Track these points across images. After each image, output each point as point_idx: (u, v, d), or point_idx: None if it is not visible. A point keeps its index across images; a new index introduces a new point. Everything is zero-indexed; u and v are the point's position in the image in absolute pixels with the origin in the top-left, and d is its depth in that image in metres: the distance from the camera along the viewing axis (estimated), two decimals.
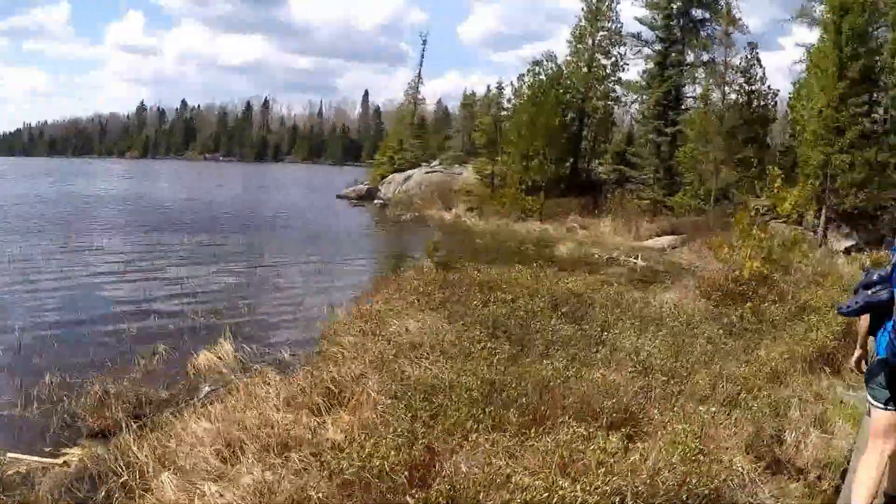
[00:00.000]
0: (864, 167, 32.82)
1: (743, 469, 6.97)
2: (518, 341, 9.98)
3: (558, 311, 11.96)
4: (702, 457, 6.53)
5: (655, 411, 7.79)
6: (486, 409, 7.31)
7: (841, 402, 9.67)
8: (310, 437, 7.36)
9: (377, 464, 6.13)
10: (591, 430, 7.05)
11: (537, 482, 5.72)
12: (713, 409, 7.95)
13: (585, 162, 48.22)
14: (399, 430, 6.85)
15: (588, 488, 5.67)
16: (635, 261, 27.20)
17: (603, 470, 6.05)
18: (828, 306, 12.94)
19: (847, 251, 31.67)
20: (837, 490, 6.84)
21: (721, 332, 11.59)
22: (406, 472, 6.23)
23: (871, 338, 5.11)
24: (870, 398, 5.03)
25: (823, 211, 33.72)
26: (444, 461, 6.48)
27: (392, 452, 6.31)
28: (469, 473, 6.17)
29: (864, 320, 5.11)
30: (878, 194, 32.86)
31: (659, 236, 33.92)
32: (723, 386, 8.66)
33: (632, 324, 11.44)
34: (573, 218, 37.79)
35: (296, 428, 7.51)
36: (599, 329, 11.11)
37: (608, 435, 7.02)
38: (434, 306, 12.03)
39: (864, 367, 5.29)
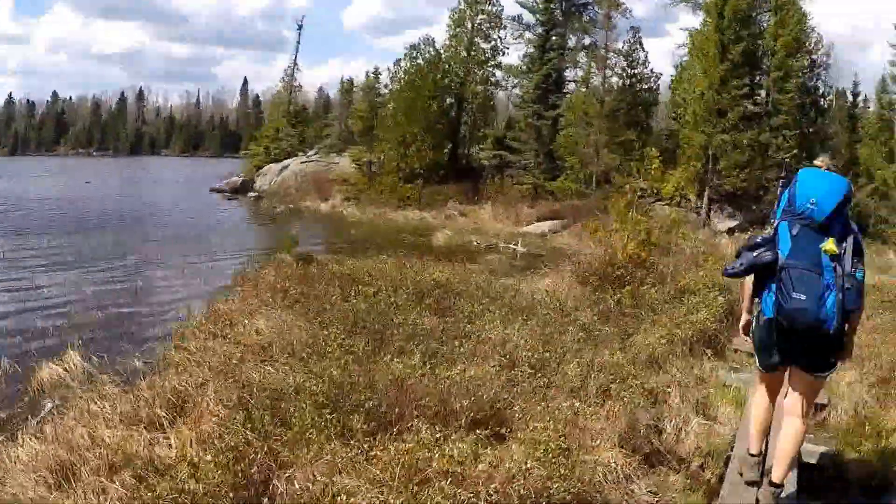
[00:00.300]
0: (745, 148, 33.30)
1: (616, 465, 6.49)
2: (376, 338, 9.14)
3: (423, 303, 11.15)
4: (563, 459, 5.95)
5: (517, 408, 7.11)
6: (332, 416, 6.48)
7: (724, 385, 9.37)
8: (145, 455, 6.44)
9: (193, 487, 5.35)
10: (447, 432, 6.41)
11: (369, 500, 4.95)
12: (581, 402, 7.47)
13: (465, 148, 47.86)
14: (231, 444, 6.04)
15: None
16: (515, 247, 26.84)
17: (450, 480, 5.32)
18: (708, 287, 12.64)
19: (730, 231, 32.14)
20: (721, 478, 6.46)
21: (596, 318, 11.02)
22: (232, 494, 5.45)
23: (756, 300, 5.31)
24: (756, 360, 5.45)
25: (706, 192, 34.06)
26: (281, 478, 5.76)
27: (218, 472, 5.54)
28: (303, 491, 5.52)
29: (748, 287, 5.37)
30: (760, 175, 33.40)
31: (540, 221, 33.84)
32: (594, 376, 7.99)
33: (501, 314, 10.71)
34: (452, 205, 37.36)
35: (128, 446, 6.54)
36: (465, 321, 10.37)
37: (468, 436, 6.44)
38: (290, 303, 11.10)
39: (751, 332, 5.47)
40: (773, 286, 4.96)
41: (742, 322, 5.61)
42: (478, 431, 6.59)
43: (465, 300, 11.36)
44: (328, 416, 6.47)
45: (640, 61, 42.49)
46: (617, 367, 8.45)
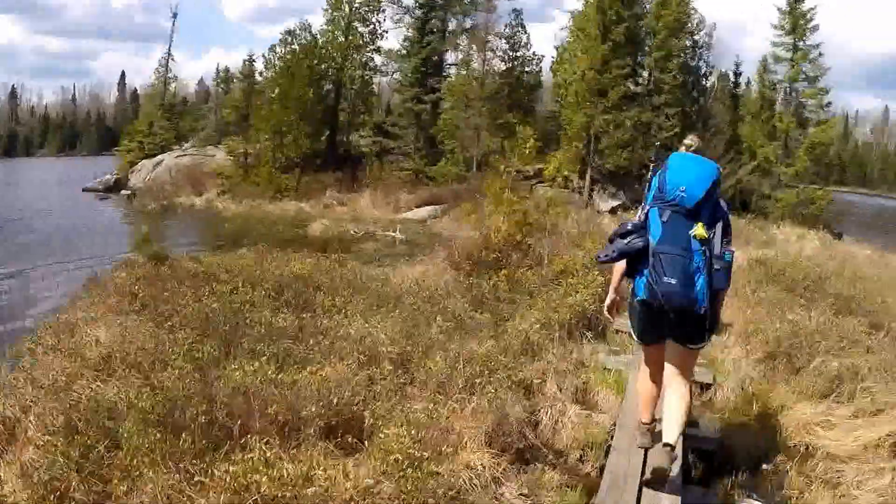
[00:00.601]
0: (627, 128, 33.49)
1: (484, 467, 5.92)
2: (226, 340, 8.24)
3: (280, 299, 10.30)
4: (415, 471, 5.24)
5: (375, 410, 6.42)
6: (161, 435, 5.64)
7: (604, 368, 8.97)
8: None
9: None
10: (293, 444, 5.79)
11: None
12: (444, 399, 6.90)
13: (345, 135, 46.67)
14: (45, 477, 5.23)
15: None
16: (394, 234, 26.31)
17: None
18: (587, 267, 12.18)
19: (613, 211, 32.29)
20: (601, 470, 6.32)
21: (469, 305, 10.39)
22: None
23: (629, 281, 5.61)
24: (635, 337, 5.89)
25: (588, 172, 34.02)
26: None
27: None
28: None
29: (618, 267, 5.69)
30: (642, 154, 33.65)
31: (419, 207, 33.49)
32: (460, 369, 7.35)
33: (365, 306, 9.96)
34: (331, 194, 36.50)
35: None
36: (325, 316, 9.54)
37: (317, 447, 5.76)
38: (138, 308, 10.05)
39: (615, 312, 6.04)
40: (646, 270, 5.22)
41: (607, 302, 5.95)
42: (329, 440, 5.95)
43: (327, 294, 10.47)
44: (155, 436, 5.62)
45: (523, 44, 42.55)
46: (487, 357, 7.77)
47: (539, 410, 7.48)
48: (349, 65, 45.09)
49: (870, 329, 10.72)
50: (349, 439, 6.07)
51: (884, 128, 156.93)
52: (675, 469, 5.62)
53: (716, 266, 5.16)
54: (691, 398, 5.88)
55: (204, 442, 5.71)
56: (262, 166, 40.01)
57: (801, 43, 37.48)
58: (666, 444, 5.41)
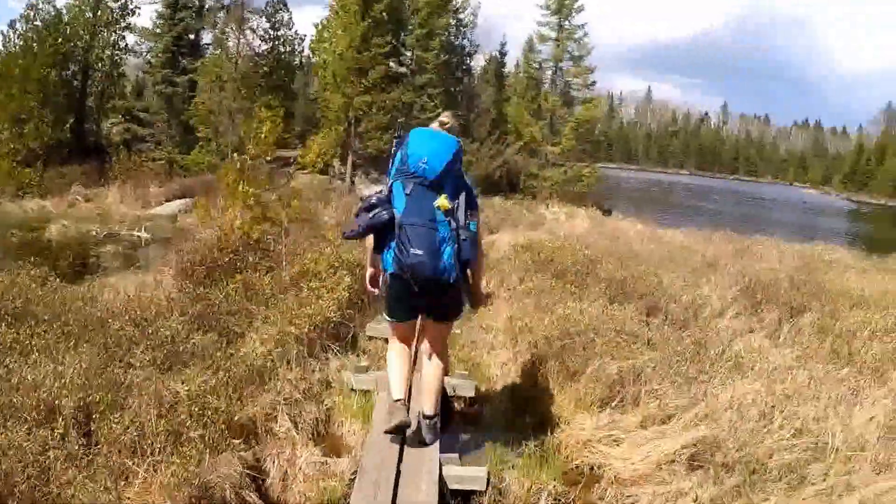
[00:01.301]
0: (388, 109, 32.45)
1: None
2: None
3: None
4: None
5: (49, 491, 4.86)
6: None
7: (352, 390, 7.70)
8: None
9: None
10: None
11: None
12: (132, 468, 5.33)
13: (94, 123, 42.58)
14: None
15: None
16: (139, 234, 23.95)
17: None
18: (334, 266, 10.89)
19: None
20: None
21: (192, 324, 8.53)
22: None
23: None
24: (385, 315, 5.86)
25: (349, 157, 32.80)
26: None
27: None
28: None
29: (370, 241, 5.58)
30: (404, 137, 32.58)
31: (170, 201, 30.60)
32: (155, 420, 5.82)
33: (56, 338, 7.57)
34: (77, 189, 32.79)
35: None
36: None
37: None
38: None
39: (379, 285, 5.82)
40: (393, 243, 5.29)
41: (367, 275, 5.89)
42: None
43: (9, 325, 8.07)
44: None
45: (284, 23, 40.97)
46: (195, 398, 6.25)
47: (266, 459, 6.18)
48: (98, 44, 40.88)
49: (647, 316, 10.24)
50: None
51: (646, 108, 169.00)
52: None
53: (462, 236, 5.29)
54: (447, 369, 6.19)
55: None
56: (1, 159, 35.64)
57: (567, 23, 38.08)
58: (426, 417, 5.71)
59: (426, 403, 5.74)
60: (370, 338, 9.40)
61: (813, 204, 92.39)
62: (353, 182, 32.34)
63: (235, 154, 13.22)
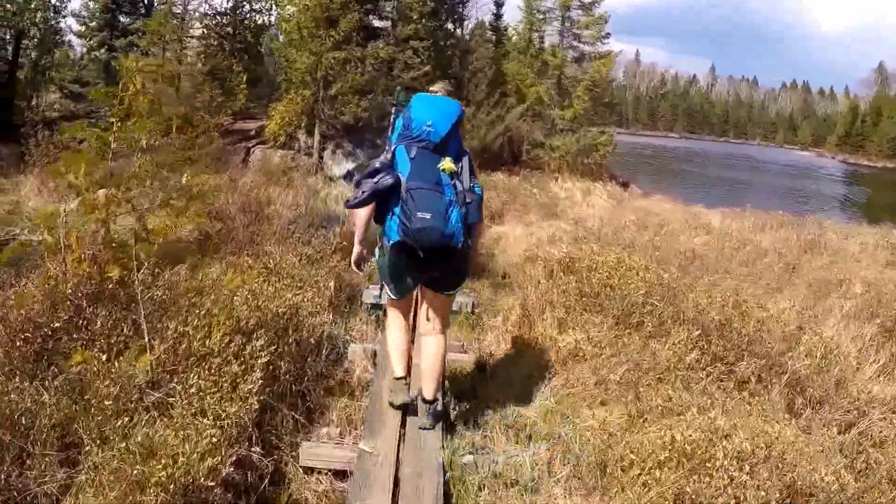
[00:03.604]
0: (365, 68, 25.37)
1: None
2: None
3: None
4: None
5: None
6: None
7: None
8: None
9: None
10: None
11: None
12: None
13: (30, 98, 34.47)
14: None
15: None
16: (42, 237, 16.61)
17: None
18: (253, 327, 6.17)
19: (348, 176, 24.33)
20: None
21: None
22: None
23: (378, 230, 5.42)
24: (388, 292, 5.52)
25: (317, 127, 25.67)
26: None
27: None
28: None
29: (363, 215, 5.33)
30: (383, 101, 25.53)
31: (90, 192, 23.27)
32: None
33: None
34: None
35: None
36: None
37: None
38: None
39: (364, 266, 5.72)
40: (397, 209, 5.00)
41: (354, 255, 5.59)
42: None
43: None
44: None
45: None
46: None
47: None
48: (32, 6, 33.46)
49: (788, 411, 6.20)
50: None
51: (635, 70, 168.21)
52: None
53: (468, 199, 5.01)
54: (446, 349, 5.73)
55: None
56: None
57: None
58: (425, 401, 5.42)
59: (426, 387, 5.41)
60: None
61: (814, 167, 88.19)
62: (321, 158, 25.80)
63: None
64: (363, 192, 5.01)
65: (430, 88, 5.47)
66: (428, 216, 4.80)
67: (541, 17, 32.05)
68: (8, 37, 33.42)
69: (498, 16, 36.72)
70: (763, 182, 57.61)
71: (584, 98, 29.72)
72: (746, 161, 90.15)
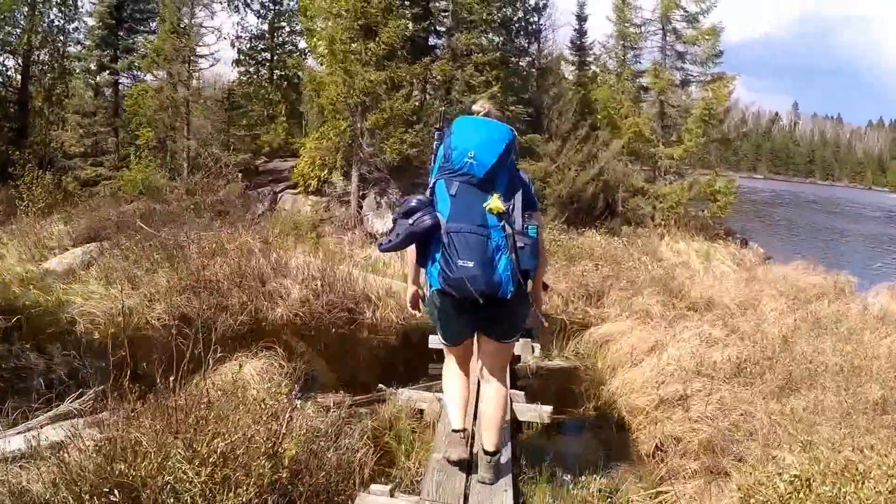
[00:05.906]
0: (414, 89, 19.25)
1: None
2: None
3: None
4: None
5: None
6: None
7: None
8: None
9: None
10: None
11: None
12: None
13: (39, 131, 28.81)
14: None
15: None
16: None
17: None
18: None
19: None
20: None
21: None
22: None
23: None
24: (441, 340, 5.10)
25: (354, 169, 19.28)
26: None
27: None
28: None
29: (412, 252, 4.86)
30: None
31: (77, 246, 17.04)
32: None
33: None
34: None
35: None
36: None
37: None
38: None
39: (421, 306, 5.13)
40: (438, 255, 4.53)
41: (409, 295, 5.13)
42: None
43: None
44: None
45: None
46: None
47: None
48: (38, 28, 28.67)
49: None
50: None
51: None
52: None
53: (520, 243, 4.42)
54: (508, 398, 5.35)
55: None
56: None
57: None
58: (487, 453, 4.96)
59: (486, 437, 4.94)
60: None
61: None
62: (360, 207, 19.22)
63: None
64: (397, 235, 4.51)
65: (473, 108, 4.79)
66: (470, 264, 4.29)
67: (636, 30, 25.32)
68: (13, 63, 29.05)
69: (581, 32, 29.96)
70: (888, 234, 49.11)
71: (697, 132, 22.75)
72: (848, 205, 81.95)
